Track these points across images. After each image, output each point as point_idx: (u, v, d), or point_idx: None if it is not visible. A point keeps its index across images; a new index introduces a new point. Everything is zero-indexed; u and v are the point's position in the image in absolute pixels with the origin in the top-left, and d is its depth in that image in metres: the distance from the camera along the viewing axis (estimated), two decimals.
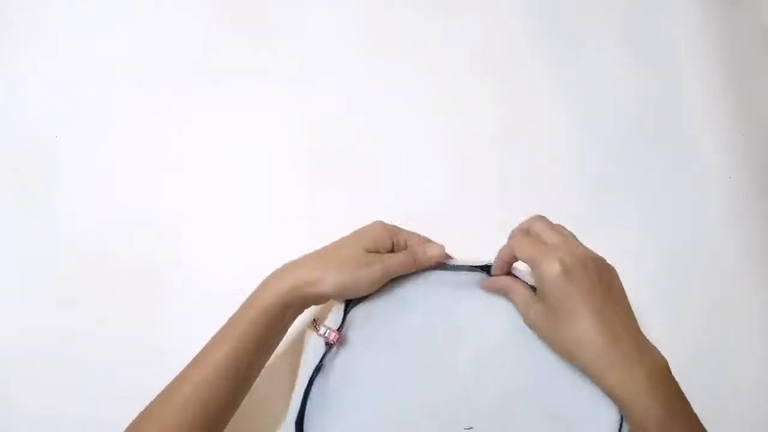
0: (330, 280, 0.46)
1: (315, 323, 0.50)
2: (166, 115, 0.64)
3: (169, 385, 0.45)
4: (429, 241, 0.52)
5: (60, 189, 0.61)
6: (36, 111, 0.64)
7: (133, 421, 0.44)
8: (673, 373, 0.44)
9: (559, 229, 0.48)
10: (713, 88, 0.67)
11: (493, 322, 0.51)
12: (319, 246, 0.50)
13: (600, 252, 0.48)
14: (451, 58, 0.67)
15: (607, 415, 0.46)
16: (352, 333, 0.51)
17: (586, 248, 0.46)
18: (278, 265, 0.59)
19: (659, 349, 0.45)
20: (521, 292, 0.49)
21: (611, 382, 0.42)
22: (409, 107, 0.65)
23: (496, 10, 0.69)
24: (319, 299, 0.48)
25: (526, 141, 0.65)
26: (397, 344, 0.50)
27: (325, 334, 0.49)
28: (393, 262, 0.49)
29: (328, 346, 0.49)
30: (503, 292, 0.50)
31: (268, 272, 0.59)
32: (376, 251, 0.49)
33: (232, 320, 0.47)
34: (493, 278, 0.51)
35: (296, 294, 0.46)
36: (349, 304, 0.51)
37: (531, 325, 0.48)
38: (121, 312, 0.58)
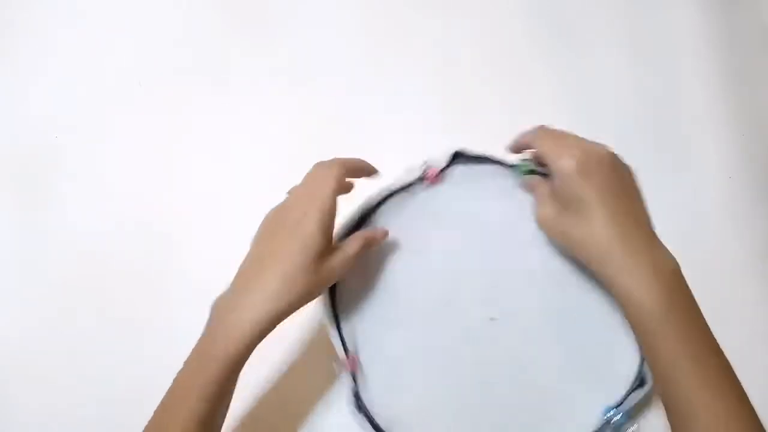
0: (294, 301, 0.43)
1: None
2: (166, 115, 0.64)
3: None
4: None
5: (60, 189, 0.61)
6: (36, 111, 0.64)
7: None
8: (683, 276, 0.43)
9: (573, 134, 0.48)
10: (713, 88, 0.67)
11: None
12: None
13: None
14: (451, 58, 0.67)
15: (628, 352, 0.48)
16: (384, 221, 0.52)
17: (604, 147, 0.46)
18: None
19: None
20: (542, 190, 0.49)
21: (612, 271, 0.42)
22: (409, 107, 0.65)
23: (496, 11, 0.69)
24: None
25: None
26: (420, 250, 0.52)
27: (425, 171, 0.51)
28: (351, 253, 0.47)
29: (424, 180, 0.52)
30: (530, 189, 0.51)
31: None
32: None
33: (195, 364, 0.43)
34: (527, 178, 0.51)
35: (270, 328, 0.42)
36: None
37: (541, 221, 0.48)
38: (121, 312, 0.58)
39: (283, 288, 0.42)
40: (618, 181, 0.45)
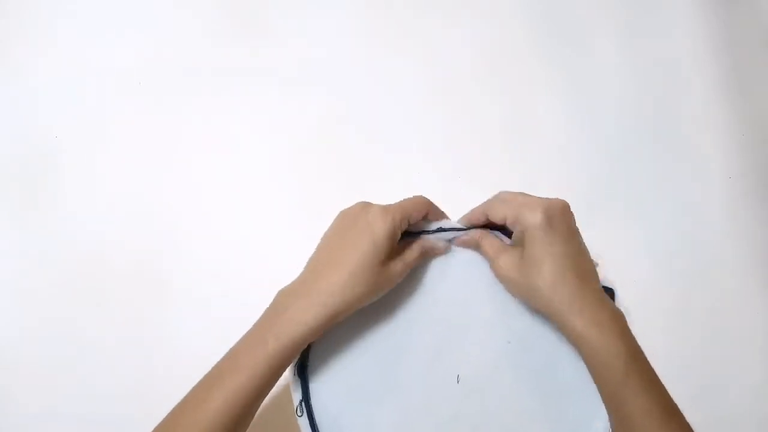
0: (359, 297, 0.44)
1: None
2: (166, 115, 0.64)
3: (179, 411, 0.43)
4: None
5: (60, 189, 0.61)
6: (36, 111, 0.64)
7: None
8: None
9: (525, 193, 0.48)
10: (713, 88, 0.67)
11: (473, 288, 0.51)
12: (314, 246, 0.49)
13: (600, 251, 0.48)
14: (451, 59, 0.67)
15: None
16: None
17: (558, 199, 0.47)
18: (277, 264, 0.58)
19: (655, 349, 0.45)
20: (494, 243, 0.49)
21: (580, 322, 0.43)
22: (409, 108, 0.65)
23: (496, 11, 0.69)
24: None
25: (527, 141, 0.65)
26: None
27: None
28: (411, 259, 0.48)
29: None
30: (474, 245, 0.50)
31: (267, 272, 0.59)
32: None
33: (248, 346, 0.44)
34: (465, 232, 0.51)
35: (326, 325, 0.44)
36: None
37: (500, 272, 0.48)
38: (121, 312, 0.58)
39: (348, 284, 0.44)
40: (576, 233, 0.46)
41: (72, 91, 0.64)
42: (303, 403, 0.48)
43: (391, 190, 0.57)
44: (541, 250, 0.45)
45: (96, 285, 0.58)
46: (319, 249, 0.47)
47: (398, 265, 0.47)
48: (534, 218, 0.44)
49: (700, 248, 0.62)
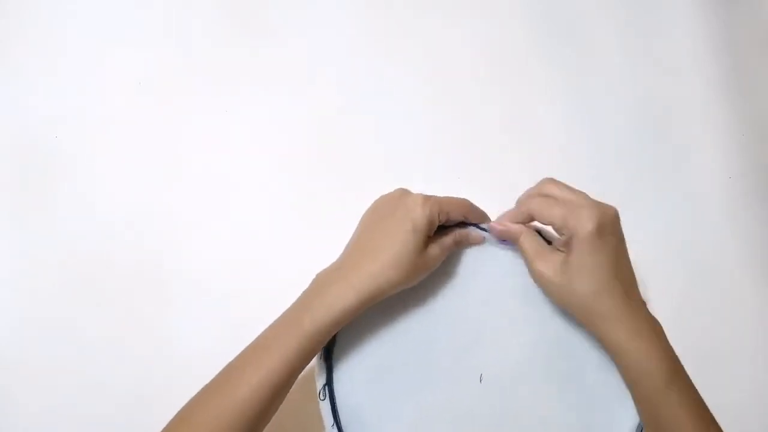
0: (397, 282, 0.44)
1: None
2: (166, 114, 0.64)
3: (214, 388, 0.43)
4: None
5: (60, 189, 0.61)
6: (36, 111, 0.64)
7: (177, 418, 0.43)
8: None
9: (575, 190, 0.47)
10: (713, 88, 0.67)
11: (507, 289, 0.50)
12: (318, 244, 0.49)
13: None
14: (451, 59, 0.67)
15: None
16: None
17: (610, 206, 0.46)
18: (276, 264, 0.59)
19: None
20: (534, 242, 0.48)
21: (621, 334, 0.43)
22: (409, 107, 0.65)
23: (496, 11, 0.69)
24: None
25: (527, 141, 0.65)
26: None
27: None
28: (448, 244, 0.48)
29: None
30: (513, 238, 0.49)
31: (268, 272, 0.59)
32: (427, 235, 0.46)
33: (283, 327, 0.44)
34: (504, 224, 0.49)
35: (368, 303, 0.44)
36: None
37: (539, 275, 0.47)
38: (121, 312, 0.58)
39: (385, 271, 0.44)
40: (623, 245, 0.46)
41: (72, 91, 0.64)
42: (326, 387, 0.48)
43: (391, 190, 0.57)
44: (588, 258, 0.44)
45: (96, 285, 0.58)
46: (358, 234, 0.47)
47: (435, 250, 0.47)
48: (586, 227, 0.43)
49: (700, 248, 0.62)
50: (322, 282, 0.45)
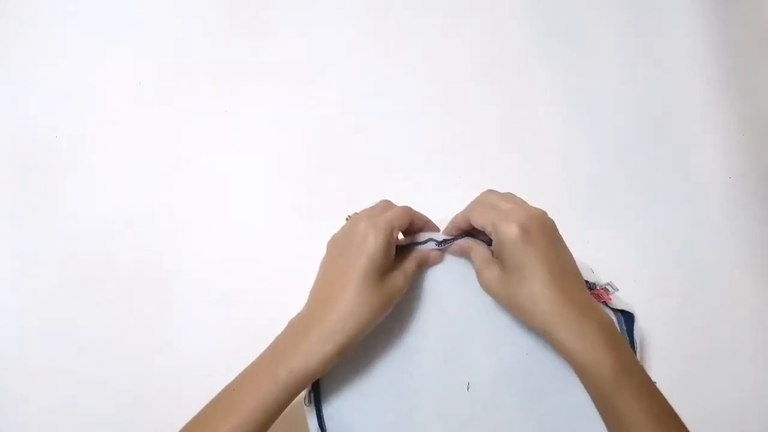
0: (368, 322, 0.44)
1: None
2: (166, 114, 0.64)
3: None
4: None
5: (60, 189, 0.61)
6: (36, 111, 0.64)
7: None
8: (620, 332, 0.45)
9: (510, 197, 0.48)
10: (713, 88, 0.67)
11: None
12: (318, 244, 0.49)
13: (600, 252, 0.48)
14: (451, 59, 0.67)
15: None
16: None
17: (537, 209, 0.46)
18: (277, 264, 0.59)
19: (655, 349, 0.45)
20: (480, 252, 0.49)
21: (564, 336, 0.43)
22: (409, 107, 0.65)
23: (496, 11, 0.69)
24: None
25: (526, 141, 0.65)
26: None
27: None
28: (411, 270, 0.48)
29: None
30: (465, 253, 0.50)
31: (268, 272, 0.59)
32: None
33: (257, 376, 0.43)
34: (457, 241, 0.50)
35: (342, 354, 0.44)
36: None
37: (485, 285, 0.47)
38: (121, 312, 0.58)
39: (356, 308, 0.44)
40: (556, 243, 0.46)
41: (72, 91, 0.64)
42: (312, 393, 0.48)
43: (392, 190, 0.58)
44: (517, 264, 0.44)
45: (96, 285, 0.58)
46: (319, 277, 0.47)
47: (399, 278, 0.47)
48: (509, 231, 0.44)
49: (700, 248, 0.62)
50: (297, 333, 0.44)
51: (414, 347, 0.49)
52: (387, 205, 0.50)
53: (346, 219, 0.49)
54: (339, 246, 0.47)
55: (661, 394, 0.43)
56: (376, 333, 0.48)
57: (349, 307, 0.44)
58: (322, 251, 0.48)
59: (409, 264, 0.48)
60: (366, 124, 0.65)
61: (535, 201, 0.48)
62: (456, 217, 0.50)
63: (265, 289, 0.58)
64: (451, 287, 0.51)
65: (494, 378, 0.49)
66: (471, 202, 0.50)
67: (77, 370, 0.56)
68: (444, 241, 0.50)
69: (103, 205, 0.61)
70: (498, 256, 0.47)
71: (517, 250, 0.44)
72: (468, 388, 0.49)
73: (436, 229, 0.51)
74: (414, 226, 0.50)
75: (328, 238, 0.48)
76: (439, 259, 0.51)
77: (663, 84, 0.67)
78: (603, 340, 0.42)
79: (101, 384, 0.56)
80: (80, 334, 0.57)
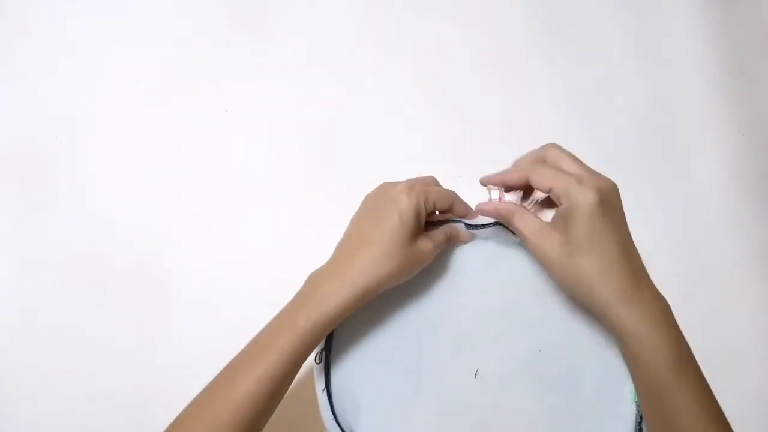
0: (389, 274, 0.43)
1: None
2: (166, 115, 0.64)
3: (210, 391, 0.43)
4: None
5: (60, 189, 0.61)
6: (36, 111, 0.64)
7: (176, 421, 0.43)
8: None
9: (577, 160, 0.45)
10: (713, 88, 0.67)
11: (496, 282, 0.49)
12: (318, 244, 0.49)
13: None
14: (451, 59, 0.67)
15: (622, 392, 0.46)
16: None
17: (609, 179, 0.44)
18: (277, 264, 0.59)
19: None
20: (531, 221, 0.45)
21: (627, 316, 0.41)
22: (409, 107, 0.65)
23: (496, 11, 0.69)
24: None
25: (526, 140, 0.65)
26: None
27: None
28: (439, 239, 0.47)
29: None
30: (505, 218, 0.46)
31: (268, 272, 0.59)
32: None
33: (278, 327, 0.43)
34: (492, 202, 0.47)
35: (358, 303, 0.43)
36: None
37: (541, 256, 0.44)
38: (121, 312, 0.58)
39: (379, 261, 0.43)
40: (624, 219, 0.44)
41: (72, 91, 0.64)
42: (323, 353, 0.48)
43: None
44: (593, 236, 0.41)
45: (96, 285, 0.58)
46: (348, 230, 0.47)
47: (427, 244, 0.46)
48: (587, 198, 0.41)
49: (700, 248, 0.62)
50: (315, 281, 0.45)
51: (430, 321, 0.49)
52: (432, 180, 0.49)
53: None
54: (372, 203, 0.47)
55: (712, 392, 0.41)
56: (394, 298, 0.48)
57: (372, 259, 0.43)
58: (323, 251, 0.48)
59: (439, 234, 0.47)
60: (366, 124, 0.65)
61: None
62: (507, 172, 0.46)
63: (265, 289, 0.58)
64: (476, 270, 0.50)
65: (504, 369, 0.48)
66: (524, 157, 0.46)
67: (77, 369, 0.56)
68: (476, 226, 0.49)
69: (103, 205, 0.61)
70: (559, 222, 0.43)
71: (594, 220, 0.41)
72: (476, 375, 0.48)
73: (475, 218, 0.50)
74: (455, 210, 0.48)
75: (334, 230, 0.48)
76: (469, 238, 0.50)
77: (663, 84, 0.67)
78: (665, 326, 0.41)
79: (101, 384, 0.56)
80: (80, 334, 0.57)
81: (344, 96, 0.66)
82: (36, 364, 0.56)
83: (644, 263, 0.44)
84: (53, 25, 0.66)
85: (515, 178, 0.45)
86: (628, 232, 0.44)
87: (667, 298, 0.44)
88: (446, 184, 0.63)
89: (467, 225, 0.49)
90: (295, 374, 0.44)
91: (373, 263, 0.43)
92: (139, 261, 0.59)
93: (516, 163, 0.47)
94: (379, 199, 0.46)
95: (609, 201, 0.42)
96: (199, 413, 0.42)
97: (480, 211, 0.47)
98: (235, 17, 0.68)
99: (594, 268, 0.41)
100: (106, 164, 0.62)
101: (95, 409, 0.55)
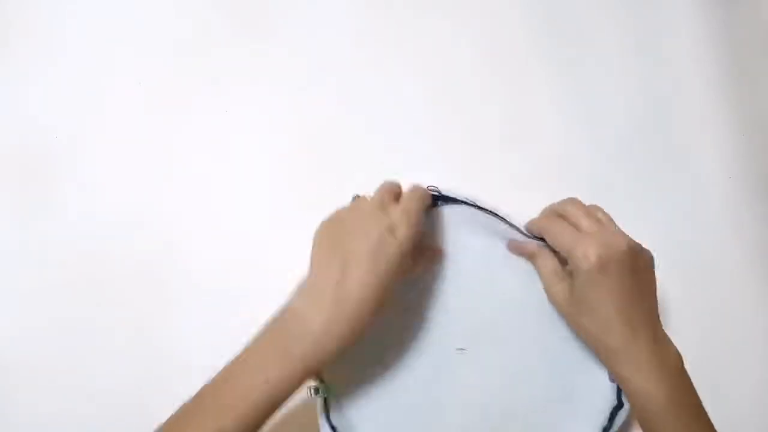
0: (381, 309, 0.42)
1: None
2: (166, 115, 0.64)
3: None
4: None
5: (60, 189, 0.61)
6: (36, 111, 0.64)
7: None
8: (685, 368, 0.45)
9: (594, 214, 0.47)
10: (713, 88, 0.67)
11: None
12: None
13: None
14: (451, 59, 0.67)
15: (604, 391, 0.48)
16: None
17: (623, 236, 0.45)
18: (276, 264, 0.59)
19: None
20: (548, 265, 0.48)
21: (623, 370, 0.43)
22: (409, 108, 0.65)
23: (496, 11, 0.69)
24: None
25: (526, 141, 0.65)
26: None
27: None
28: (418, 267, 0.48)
29: None
30: (529, 258, 0.49)
31: (268, 272, 0.59)
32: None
33: (273, 356, 0.41)
34: (520, 242, 0.49)
35: (360, 336, 0.41)
36: None
37: (553, 301, 0.47)
38: (121, 312, 0.58)
39: (377, 293, 0.41)
40: (633, 279, 0.44)
41: (72, 91, 0.64)
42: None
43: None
44: (590, 294, 0.43)
45: (96, 285, 0.58)
46: (333, 260, 0.43)
47: (417, 268, 0.47)
48: (586, 261, 0.43)
49: (700, 248, 0.62)
50: (306, 317, 0.42)
51: (435, 322, 0.49)
52: (395, 189, 0.47)
53: (353, 199, 0.48)
54: (353, 227, 0.44)
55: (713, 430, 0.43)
56: (406, 289, 0.48)
57: (376, 301, 0.41)
58: None
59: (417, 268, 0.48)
60: (366, 124, 0.65)
61: (534, 201, 0.48)
62: (531, 223, 0.49)
63: (265, 289, 0.58)
64: (487, 273, 0.50)
65: (504, 378, 0.49)
66: (549, 208, 0.49)
67: (77, 370, 0.56)
68: (446, 198, 0.50)
69: (103, 205, 0.61)
70: (571, 281, 0.46)
71: (590, 283, 0.43)
72: (477, 376, 0.49)
73: None
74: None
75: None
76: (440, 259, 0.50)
77: (663, 84, 0.67)
78: (657, 376, 0.43)
79: (101, 384, 0.56)
80: (80, 334, 0.57)
81: (344, 96, 0.66)
82: (36, 364, 0.56)
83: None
84: (53, 25, 0.66)
85: (535, 230, 0.49)
86: (631, 290, 0.44)
87: (667, 298, 0.44)
88: (446, 183, 0.63)
89: (435, 197, 0.50)
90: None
91: (376, 303, 0.41)
92: (139, 261, 0.59)
93: (543, 211, 0.50)
94: (367, 225, 0.43)
95: (609, 263, 0.43)
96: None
97: (509, 247, 0.50)
98: (235, 17, 0.67)
99: (591, 327, 0.45)
100: (106, 164, 0.62)
101: (95, 408, 0.55)
